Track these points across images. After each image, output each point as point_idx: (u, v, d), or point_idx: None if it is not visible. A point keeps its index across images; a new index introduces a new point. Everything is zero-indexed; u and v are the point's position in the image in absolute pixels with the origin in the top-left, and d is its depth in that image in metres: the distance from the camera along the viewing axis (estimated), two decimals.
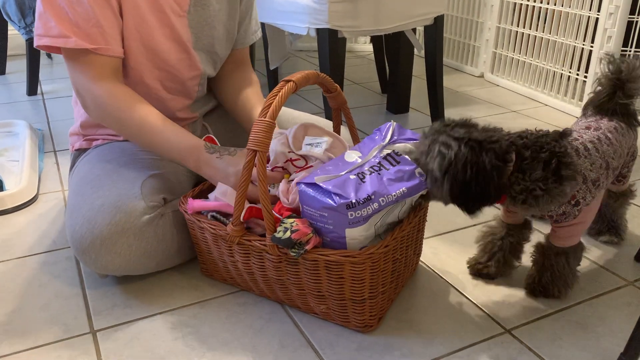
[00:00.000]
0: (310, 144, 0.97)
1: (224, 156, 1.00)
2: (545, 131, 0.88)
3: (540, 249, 1.00)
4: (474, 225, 1.26)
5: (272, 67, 2.13)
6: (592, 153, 0.93)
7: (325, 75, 0.98)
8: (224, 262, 1.00)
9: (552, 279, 0.99)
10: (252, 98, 1.21)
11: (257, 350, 0.89)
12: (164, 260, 1.04)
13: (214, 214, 0.96)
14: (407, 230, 0.92)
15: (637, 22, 1.84)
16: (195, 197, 1.03)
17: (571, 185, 0.86)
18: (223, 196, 0.96)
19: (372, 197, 0.83)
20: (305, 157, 0.98)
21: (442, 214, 1.30)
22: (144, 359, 0.87)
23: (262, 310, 0.98)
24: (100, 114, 1.04)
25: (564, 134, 0.88)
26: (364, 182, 0.85)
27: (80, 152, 1.21)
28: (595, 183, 0.93)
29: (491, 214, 1.30)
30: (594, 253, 1.15)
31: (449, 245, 1.18)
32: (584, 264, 1.11)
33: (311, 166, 0.97)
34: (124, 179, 1.05)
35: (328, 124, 1.30)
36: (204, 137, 1.09)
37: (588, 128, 1.00)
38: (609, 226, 1.19)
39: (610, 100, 1.04)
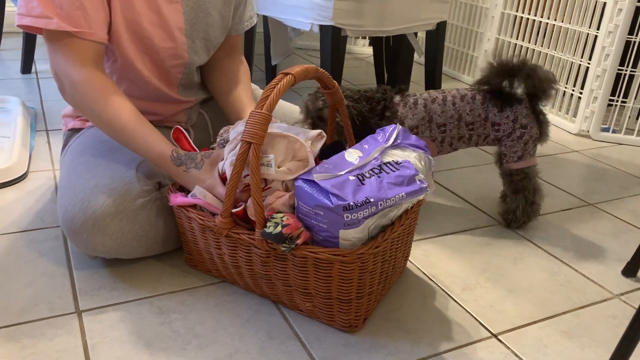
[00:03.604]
0: (261, 164, 0.89)
1: (190, 170, 0.97)
2: (385, 87, 1.22)
3: None
4: (465, 230, 1.26)
5: (274, 63, 2.12)
6: (419, 107, 1.21)
7: (324, 70, 0.98)
8: (210, 253, 0.99)
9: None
10: (243, 96, 1.18)
11: (244, 340, 0.88)
12: (155, 245, 1.03)
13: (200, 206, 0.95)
14: (398, 232, 0.92)
15: (635, 42, 1.86)
16: (179, 188, 1.02)
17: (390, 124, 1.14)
18: (204, 198, 0.94)
19: (371, 200, 0.82)
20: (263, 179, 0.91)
21: (434, 219, 1.31)
22: (129, 342, 0.86)
23: (251, 301, 0.98)
24: (75, 100, 1.00)
25: (400, 89, 1.24)
26: (363, 184, 0.84)
27: (73, 131, 1.19)
28: (413, 130, 1.21)
29: (471, 221, 1.31)
30: (581, 265, 1.16)
31: (440, 249, 1.19)
32: (573, 277, 1.12)
33: (270, 187, 0.91)
34: (119, 161, 1.04)
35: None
36: (172, 130, 1.05)
37: (438, 91, 1.24)
38: (506, 209, 1.28)
39: (486, 80, 1.22)
